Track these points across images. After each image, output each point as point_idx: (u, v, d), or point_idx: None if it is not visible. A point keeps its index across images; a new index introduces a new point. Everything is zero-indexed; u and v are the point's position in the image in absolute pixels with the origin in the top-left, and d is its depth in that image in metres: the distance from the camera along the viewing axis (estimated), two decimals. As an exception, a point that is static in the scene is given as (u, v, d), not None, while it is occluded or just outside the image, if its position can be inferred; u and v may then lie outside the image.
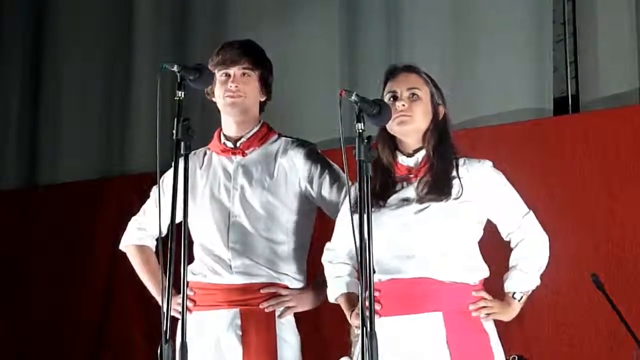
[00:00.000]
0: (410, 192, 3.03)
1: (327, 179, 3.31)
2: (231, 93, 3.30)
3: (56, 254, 5.93)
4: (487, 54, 5.04)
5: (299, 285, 3.34)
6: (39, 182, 6.33)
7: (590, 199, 4.60)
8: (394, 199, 3.03)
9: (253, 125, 3.39)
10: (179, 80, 2.82)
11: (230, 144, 3.38)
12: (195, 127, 2.82)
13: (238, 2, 5.80)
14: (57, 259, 5.92)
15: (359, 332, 2.64)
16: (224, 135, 3.41)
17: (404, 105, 3.04)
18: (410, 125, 3.05)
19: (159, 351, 2.66)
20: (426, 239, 2.97)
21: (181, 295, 2.71)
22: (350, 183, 2.87)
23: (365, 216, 2.67)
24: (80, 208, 5.94)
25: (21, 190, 6.35)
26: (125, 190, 5.49)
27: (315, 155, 3.36)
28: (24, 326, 5.98)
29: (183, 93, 2.82)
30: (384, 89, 3.11)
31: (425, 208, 2.99)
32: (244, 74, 3.33)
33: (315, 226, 3.43)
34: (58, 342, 5.84)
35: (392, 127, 3.05)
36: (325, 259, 3.21)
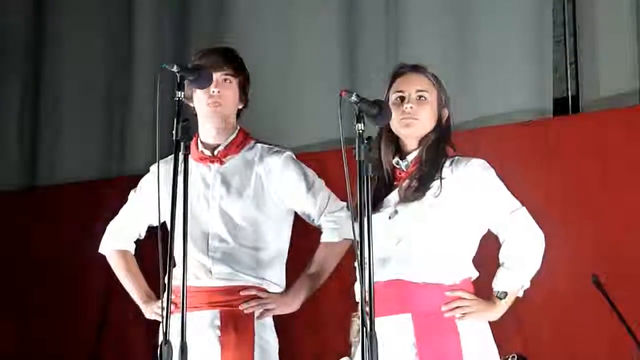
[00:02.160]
0: (394, 195, 3.00)
1: (303, 186, 3.31)
2: (214, 99, 3.29)
3: (56, 254, 5.93)
4: (487, 54, 5.04)
5: (278, 289, 3.33)
6: (39, 182, 6.32)
7: (590, 199, 4.60)
8: (382, 203, 3.00)
9: (230, 132, 3.37)
10: (178, 81, 2.82)
11: (208, 152, 3.36)
12: (194, 127, 2.82)
13: (238, 3, 5.80)
14: (57, 259, 5.92)
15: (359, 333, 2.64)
16: (202, 142, 3.39)
17: (411, 107, 2.99)
18: (417, 128, 3.01)
19: (158, 351, 2.67)
20: (397, 241, 2.94)
21: (180, 296, 2.71)
22: (349, 184, 2.86)
23: (365, 216, 2.67)
24: (80, 208, 5.93)
25: (21, 190, 6.34)
26: (125, 190, 5.46)
27: (291, 162, 3.35)
28: (24, 326, 5.98)
29: (183, 93, 2.82)
30: (389, 88, 3.06)
31: (397, 212, 2.96)
32: (225, 79, 3.32)
33: (293, 232, 3.41)
34: (58, 342, 5.84)
35: (398, 129, 3.01)
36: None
